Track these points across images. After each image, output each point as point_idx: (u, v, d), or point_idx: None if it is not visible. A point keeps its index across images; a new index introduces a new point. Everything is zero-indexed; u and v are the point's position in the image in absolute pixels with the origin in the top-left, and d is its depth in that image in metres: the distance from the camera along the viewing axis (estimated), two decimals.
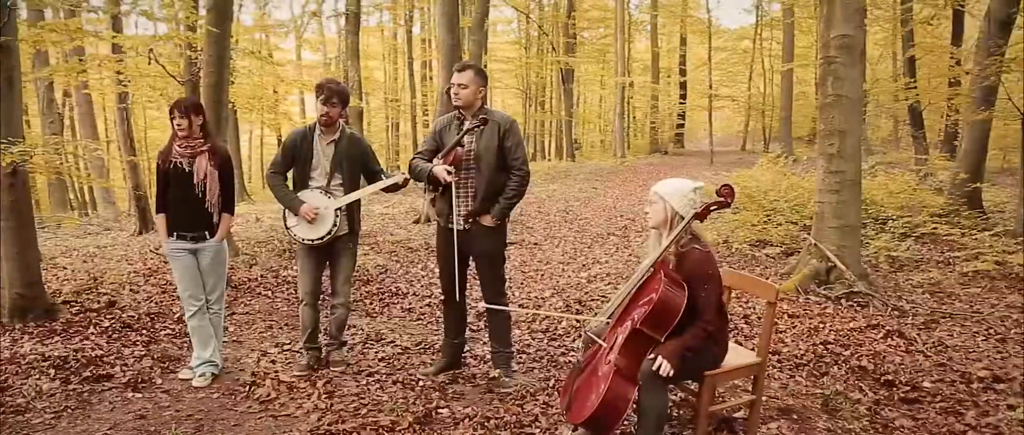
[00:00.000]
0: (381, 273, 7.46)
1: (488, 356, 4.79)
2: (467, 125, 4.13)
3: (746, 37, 34.84)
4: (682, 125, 35.25)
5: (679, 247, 3.26)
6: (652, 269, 3.24)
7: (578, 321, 5.25)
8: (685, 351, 3.11)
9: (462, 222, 4.15)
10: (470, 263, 4.36)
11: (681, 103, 33.45)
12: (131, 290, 6.56)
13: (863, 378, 4.44)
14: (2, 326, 5.33)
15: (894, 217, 9.31)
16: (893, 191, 10.47)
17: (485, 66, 17.31)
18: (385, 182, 4.48)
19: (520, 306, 6.26)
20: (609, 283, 6.98)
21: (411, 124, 31.33)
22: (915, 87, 14.93)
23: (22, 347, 4.79)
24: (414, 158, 4.30)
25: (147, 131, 24.60)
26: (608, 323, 3.36)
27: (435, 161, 4.15)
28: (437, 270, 7.92)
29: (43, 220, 16.68)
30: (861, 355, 4.75)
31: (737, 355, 3.50)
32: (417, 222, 10.85)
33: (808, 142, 30.71)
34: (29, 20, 11.87)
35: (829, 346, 4.93)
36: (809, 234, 7.22)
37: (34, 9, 12.41)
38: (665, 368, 3.01)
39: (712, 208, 3.28)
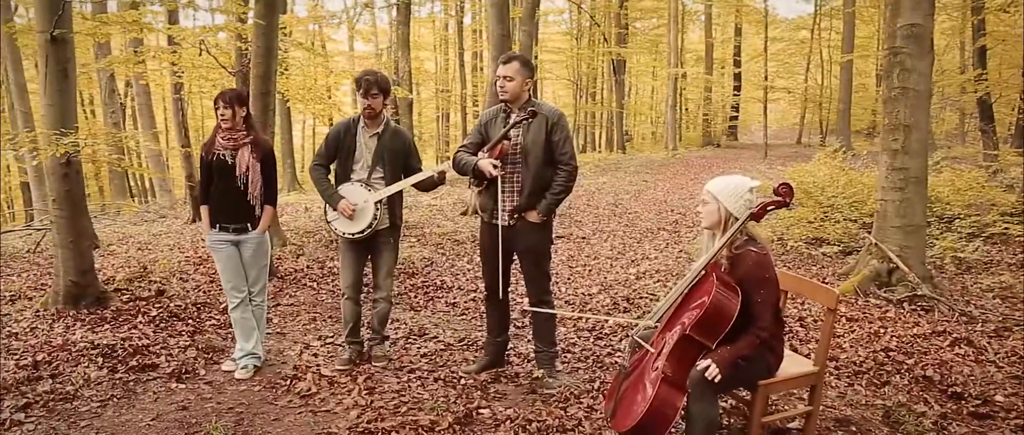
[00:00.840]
0: (427, 266, 7.41)
1: (532, 355, 4.69)
2: (514, 118, 4.01)
3: (803, 27, 33.86)
4: (735, 117, 34.52)
5: (733, 249, 3.09)
6: (704, 271, 3.08)
7: (625, 324, 5.09)
8: (738, 359, 2.95)
9: (507, 218, 4.04)
10: (514, 259, 4.25)
11: (735, 95, 32.73)
12: (180, 279, 6.65)
13: (928, 389, 4.19)
14: (57, 312, 5.44)
15: (961, 216, 8.86)
16: (960, 188, 9.97)
17: (535, 57, 17.19)
18: (418, 176, 4.40)
19: (566, 304, 6.12)
20: (658, 281, 6.80)
21: (461, 115, 31.38)
22: (986, 79, 14.25)
23: (74, 334, 4.87)
24: (459, 151, 4.21)
25: (203, 121, 25.20)
26: (656, 327, 3.21)
27: (480, 154, 4.04)
28: (479, 264, 7.94)
29: (106, 206, 17.22)
30: (926, 364, 4.49)
31: (793, 363, 3.31)
32: (465, 214, 10.80)
33: (866, 136, 29.80)
34: (92, 12, 12.21)
35: (891, 353, 4.67)
36: (869, 233, 6.92)
37: (98, 0, 12.76)
38: (713, 371, 2.86)
39: (769, 208, 3.10)
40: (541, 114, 3.99)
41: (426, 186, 4.50)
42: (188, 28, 8.26)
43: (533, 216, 4.02)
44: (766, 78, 28.37)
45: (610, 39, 27.84)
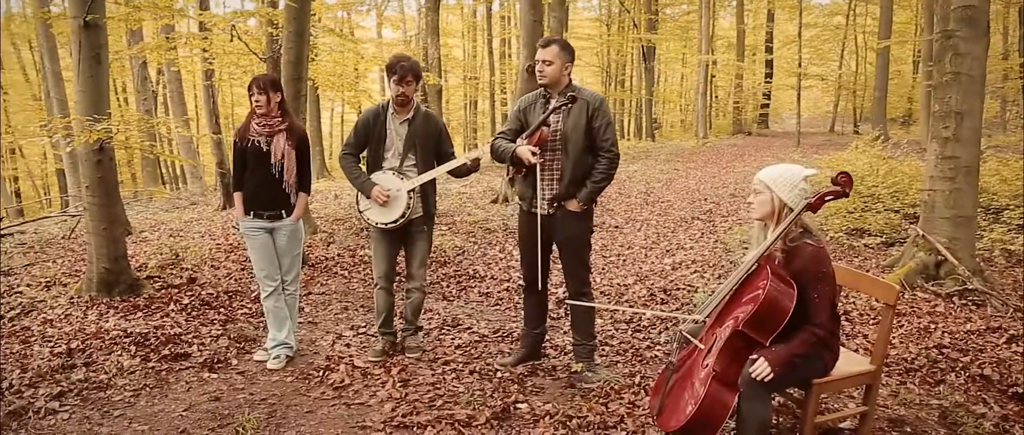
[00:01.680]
0: (458, 255, 7.32)
1: (569, 347, 4.57)
2: (554, 103, 3.87)
3: (838, 13, 33.19)
4: (767, 105, 33.93)
5: (788, 241, 2.93)
6: (756, 265, 2.92)
7: (671, 319, 4.94)
8: (793, 357, 2.79)
9: (546, 207, 3.91)
10: (552, 250, 4.12)
11: (767, 82, 32.15)
12: (211, 266, 6.63)
13: (986, 389, 3.99)
14: (90, 299, 5.43)
15: (1010, 207, 8.55)
16: (1006, 178, 9.63)
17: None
18: (453, 163, 4.28)
19: (602, 295, 5.99)
20: (695, 271, 6.63)
21: (489, 102, 31.26)
22: None
23: (107, 322, 4.85)
24: (496, 138, 4.08)
25: (233, 108, 25.35)
26: (705, 322, 3.06)
27: (519, 141, 3.91)
28: (516, 254, 7.89)
29: (138, 193, 17.41)
30: (983, 362, 4.28)
31: (848, 362, 3.15)
32: (495, 202, 10.69)
33: (901, 124, 29.12)
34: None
35: (944, 350, 4.47)
36: (913, 224, 6.67)
37: None
38: (767, 370, 2.71)
39: (827, 198, 2.93)
40: (581, 99, 3.85)
41: (460, 173, 4.38)
42: (219, 14, 8.21)
43: (573, 205, 3.89)
44: (800, 65, 27.75)
45: (640, 25, 27.48)
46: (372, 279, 6.24)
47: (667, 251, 7.70)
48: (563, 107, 3.81)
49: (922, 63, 31.29)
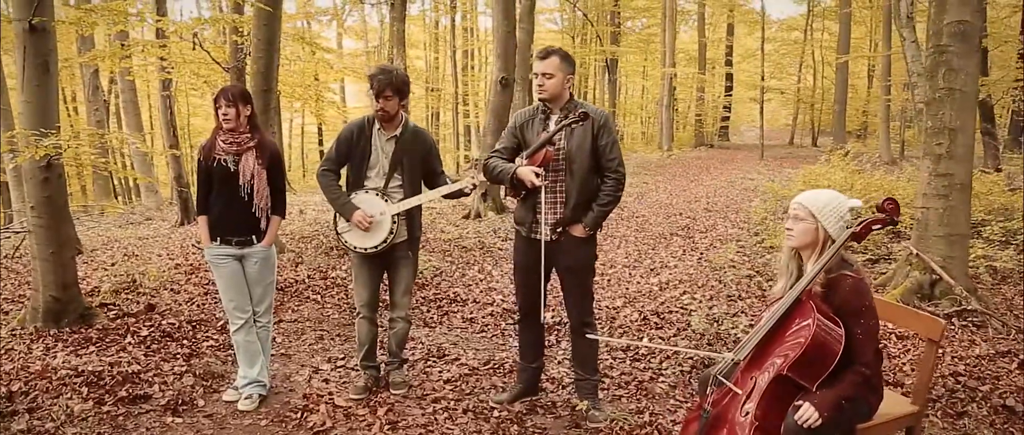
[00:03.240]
0: (436, 276, 6.94)
1: (566, 380, 4.25)
2: (562, 120, 3.55)
3: (795, 28, 33.80)
4: (727, 118, 34.25)
5: (827, 274, 2.66)
6: (797, 301, 2.64)
7: (701, 357, 4.63)
8: (841, 402, 2.52)
9: (549, 232, 3.59)
10: (551, 277, 3.80)
11: (727, 95, 32.48)
12: (171, 291, 6.15)
13: (1011, 422, 3.78)
14: (35, 331, 4.93)
15: (987, 222, 8.51)
16: (978, 192, 9.64)
17: (531, 56, 16.73)
18: (449, 187, 3.93)
19: (604, 327, 5.67)
20: (685, 292, 6.37)
21: (452, 114, 30.90)
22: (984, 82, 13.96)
23: (55, 358, 4.37)
24: (491, 157, 3.75)
25: (190, 118, 24.52)
26: (737, 362, 2.77)
27: (518, 161, 3.59)
28: (495, 274, 7.56)
29: (88, 207, 16.59)
30: (1002, 391, 4.08)
31: (891, 403, 2.89)
32: (467, 217, 10.33)
33: (857, 137, 29.59)
34: (77, 3, 11.61)
35: (960, 378, 4.26)
36: (897, 241, 6.53)
37: None
38: (812, 416, 2.43)
39: (874, 227, 2.67)
40: (589, 117, 3.54)
41: (452, 196, 4.04)
42: (180, 21, 7.73)
43: (578, 230, 3.58)
44: (763, 78, 28.05)
45: (604, 38, 27.47)
46: (347, 304, 5.86)
47: (651, 270, 7.44)
48: (573, 124, 3.50)
49: (879, 78, 32.01)
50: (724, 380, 2.71)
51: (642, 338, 5.09)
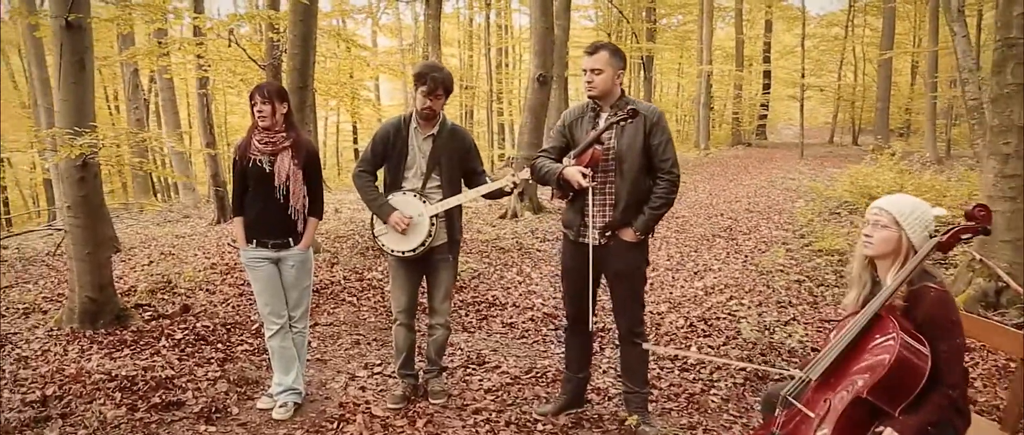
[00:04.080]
0: (474, 278, 6.78)
1: (612, 391, 4.06)
2: (610, 117, 3.36)
3: (835, 24, 33.01)
4: (765, 116, 33.61)
5: (908, 286, 2.43)
6: (876, 316, 2.41)
7: (769, 373, 4.41)
8: (926, 428, 2.29)
9: (598, 236, 3.40)
10: (601, 284, 3.61)
11: (764, 93, 31.87)
12: (207, 291, 6.08)
13: None
14: (71, 332, 4.88)
15: None
16: None
17: (567, 54, 16.48)
18: (488, 186, 3.75)
19: (649, 335, 5.46)
20: (731, 297, 6.12)
21: (486, 112, 30.77)
22: None
23: (89, 361, 4.29)
24: (539, 157, 3.57)
25: (227, 117, 24.75)
26: (806, 381, 2.55)
27: (565, 161, 3.41)
28: (534, 276, 7.37)
29: (129, 204, 16.79)
30: None
31: (980, 429, 2.64)
32: (504, 217, 10.17)
33: (899, 136, 28.83)
34: (117, 1, 11.68)
35: None
36: (968, 247, 6.18)
37: None
38: None
39: (963, 236, 2.43)
40: (640, 113, 3.34)
41: (492, 196, 3.87)
42: (216, 18, 7.68)
43: (629, 234, 3.38)
44: (803, 76, 27.45)
45: (640, 36, 27.12)
46: (383, 307, 5.73)
47: (695, 273, 7.20)
48: (621, 122, 3.30)
49: (923, 75, 31.13)
50: (794, 401, 2.49)
51: (692, 347, 4.87)
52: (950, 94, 23.62)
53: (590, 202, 3.36)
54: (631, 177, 3.34)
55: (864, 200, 9.99)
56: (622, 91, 3.46)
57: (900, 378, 2.26)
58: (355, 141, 32.55)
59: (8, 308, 5.87)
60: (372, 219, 3.83)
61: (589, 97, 3.44)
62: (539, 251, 8.10)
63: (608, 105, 3.43)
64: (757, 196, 13.40)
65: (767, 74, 32.67)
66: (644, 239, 3.45)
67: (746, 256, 8.06)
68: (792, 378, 2.57)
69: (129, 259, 8.06)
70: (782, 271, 6.84)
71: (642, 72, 27.83)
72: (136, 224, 12.71)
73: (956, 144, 23.68)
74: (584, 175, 3.26)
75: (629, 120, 3.28)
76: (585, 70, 3.39)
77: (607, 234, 3.39)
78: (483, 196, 3.79)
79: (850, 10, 30.86)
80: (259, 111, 3.61)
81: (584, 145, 3.33)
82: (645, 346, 3.45)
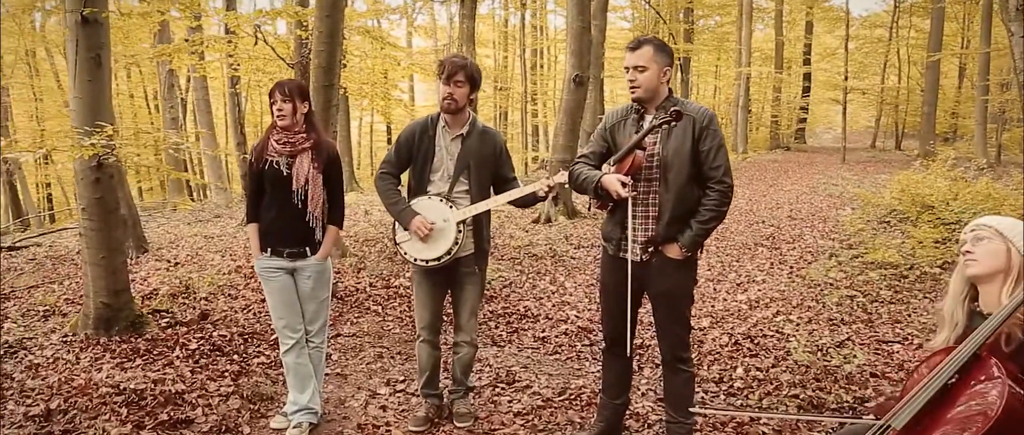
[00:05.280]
0: (505, 287, 6.49)
1: (652, 417, 3.73)
2: (651, 120, 3.04)
3: (879, 25, 32.14)
4: (804, 120, 32.85)
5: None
6: (975, 356, 2.06)
7: (826, 401, 4.06)
8: None
9: (639, 251, 3.08)
10: (642, 303, 3.29)
11: (804, 96, 31.13)
12: (228, 296, 5.89)
13: None
14: (85, 339, 4.70)
15: None
16: None
17: (603, 55, 16.11)
18: (520, 191, 3.45)
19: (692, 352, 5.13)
20: (779, 313, 5.75)
21: (520, 113, 30.53)
22: None
23: (99, 371, 4.09)
24: (577, 162, 3.26)
25: (262, 116, 24.82)
26: (885, 428, 2.20)
27: (605, 167, 3.09)
28: (568, 285, 7.05)
29: (164, 201, 16.87)
30: None
31: None
32: (537, 222, 9.86)
33: (945, 140, 27.94)
34: None
35: None
36: None
37: None
38: None
39: None
40: (686, 115, 3.01)
41: (525, 202, 3.57)
42: (242, 14, 7.51)
43: (674, 251, 3.05)
44: (846, 78, 26.69)
45: (677, 37, 26.63)
46: (409, 317, 5.46)
47: (738, 285, 6.82)
48: (663, 125, 2.98)
49: (971, 77, 30.14)
50: None
51: (738, 369, 4.51)
52: (1002, 98, 22.75)
53: (631, 213, 3.04)
54: (677, 187, 3.02)
55: (916, 209, 9.48)
56: (669, 91, 3.14)
57: (1007, 430, 1.91)
58: (389, 142, 32.53)
59: (30, 310, 5.74)
60: (394, 225, 3.57)
61: (632, 98, 3.12)
62: (573, 259, 7.78)
63: (654, 107, 3.11)
64: (799, 202, 12.92)
65: (807, 76, 31.92)
66: (691, 256, 3.12)
67: (791, 267, 7.65)
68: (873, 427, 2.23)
69: (157, 259, 7.92)
70: (832, 285, 6.43)
71: (679, 74, 27.35)
72: (168, 223, 12.66)
73: (1007, 149, 22.79)
74: (623, 184, 2.95)
75: (673, 122, 2.95)
76: (627, 68, 3.08)
77: (649, 250, 3.07)
78: (514, 202, 3.50)
79: (895, 11, 30.04)
80: (279, 109, 3.38)
81: (624, 150, 3.01)
82: (693, 410, 3.11)
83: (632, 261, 3.06)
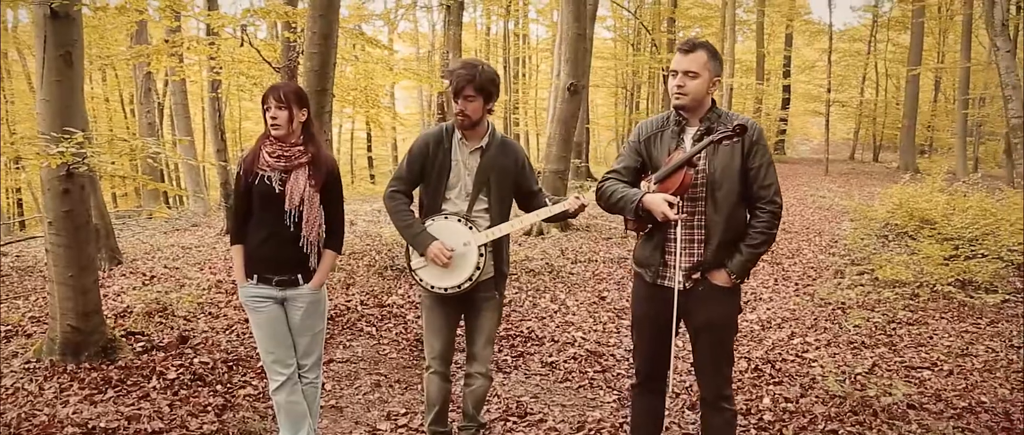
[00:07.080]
0: (505, 306, 6.13)
1: None
2: (702, 133, 2.71)
3: (858, 38, 32.55)
4: (784, 131, 33.02)
5: None
6: None
7: None
8: None
9: (683, 279, 2.75)
10: (678, 333, 2.96)
11: (784, 108, 31.36)
12: (210, 314, 5.47)
13: None
14: (52, 365, 4.26)
15: None
16: None
17: (588, 66, 15.85)
18: (550, 209, 3.10)
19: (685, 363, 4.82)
20: (794, 334, 5.46)
21: (503, 123, 30.26)
22: None
23: (65, 405, 3.67)
24: (607, 178, 2.92)
25: (241, 122, 24.26)
26: None
27: (645, 185, 2.76)
28: (570, 303, 6.68)
29: (138, 211, 16.26)
30: None
31: None
32: (529, 234, 9.53)
33: (921, 153, 28.23)
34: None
35: None
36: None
37: None
38: None
39: None
40: (748, 129, 2.68)
41: (554, 220, 3.23)
42: (227, 15, 7.10)
43: (722, 278, 2.73)
44: (829, 90, 26.79)
45: (661, 47, 26.54)
46: (409, 341, 5.09)
47: (745, 303, 6.53)
48: (724, 141, 2.64)
49: (947, 91, 30.46)
50: None
51: (764, 399, 4.19)
52: (982, 112, 22.94)
53: (677, 237, 2.71)
54: (727, 207, 2.69)
55: (914, 223, 9.32)
56: (713, 102, 2.81)
57: None
58: (369, 149, 32.02)
59: None
60: (408, 249, 3.19)
61: (675, 107, 2.80)
62: (572, 274, 7.44)
63: (697, 118, 2.78)
64: (790, 216, 12.73)
65: (787, 88, 32.16)
66: (738, 284, 2.80)
67: (796, 284, 7.39)
68: None
69: (130, 273, 7.46)
70: (844, 304, 6.16)
71: (662, 84, 27.26)
72: (142, 232, 12.14)
73: (983, 163, 22.98)
74: (671, 205, 2.62)
75: (736, 138, 2.63)
76: (675, 71, 2.74)
77: (695, 276, 2.74)
78: (545, 222, 3.15)
79: (874, 25, 30.37)
80: (273, 117, 2.99)
81: (672, 166, 2.68)
82: None
83: (676, 289, 2.74)
